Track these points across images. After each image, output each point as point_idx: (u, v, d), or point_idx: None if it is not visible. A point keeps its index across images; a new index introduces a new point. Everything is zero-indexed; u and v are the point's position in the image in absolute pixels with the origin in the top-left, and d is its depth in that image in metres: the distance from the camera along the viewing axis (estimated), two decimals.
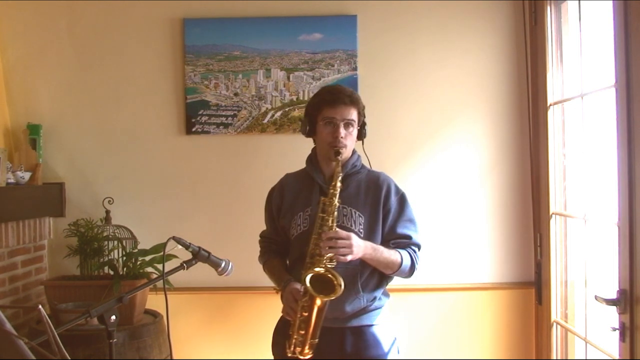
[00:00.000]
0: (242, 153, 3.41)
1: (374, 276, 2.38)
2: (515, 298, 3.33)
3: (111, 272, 3.12)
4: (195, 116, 3.39)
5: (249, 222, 3.38)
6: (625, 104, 2.21)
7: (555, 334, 3.06)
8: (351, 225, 2.34)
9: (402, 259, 2.33)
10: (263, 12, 3.38)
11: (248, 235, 3.36)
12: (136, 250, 3.15)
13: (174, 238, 1.99)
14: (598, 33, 2.59)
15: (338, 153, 2.32)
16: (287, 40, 3.37)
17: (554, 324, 3.06)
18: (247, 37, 3.38)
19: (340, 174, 2.30)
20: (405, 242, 2.38)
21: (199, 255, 2.05)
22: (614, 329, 2.27)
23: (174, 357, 2.29)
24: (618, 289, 2.25)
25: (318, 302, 2.15)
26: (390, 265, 2.33)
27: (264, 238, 2.63)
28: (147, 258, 3.07)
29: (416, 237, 2.41)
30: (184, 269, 2.02)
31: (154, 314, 3.13)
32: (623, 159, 2.23)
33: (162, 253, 2.04)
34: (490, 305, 3.35)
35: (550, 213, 3.06)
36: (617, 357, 2.32)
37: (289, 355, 2.25)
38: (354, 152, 2.46)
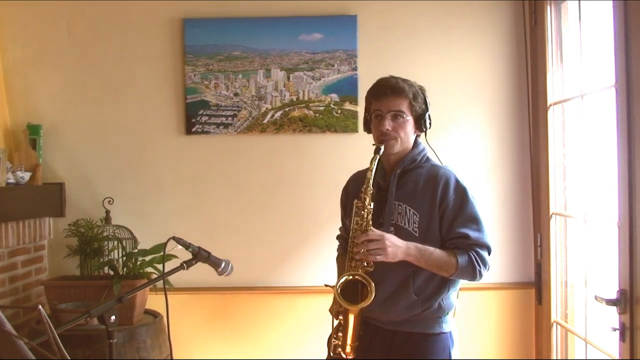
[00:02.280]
0: (242, 153, 3.41)
1: (432, 281, 2.22)
2: (515, 298, 3.33)
3: (111, 272, 3.12)
4: (195, 116, 3.39)
5: (249, 222, 3.40)
6: (625, 104, 2.21)
7: (555, 334, 3.05)
8: (405, 224, 2.23)
9: (457, 260, 2.16)
10: (263, 12, 3.38)
11: (248, 235, 3.39)
12: (136, 250, 3.14)
13: (174, 238, 1.99)
14: (598, 33, 2.59)
15: (378, 149, 2.21)
16: (287, 40, 3.37)
17: (554, 324, 3.06)
18: (247, 37, 3.38)
19: (371, 177, 2.16)
20: (464, 242, 2.20)
21: (199, 255, 2.05)
22: (614, 329, 2.27)
23: (174, 357, 2.29)
24: (618, 289, 2.25)
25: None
26: (443, 267, 2.18)
27: (339, 237, 2.54)
28: (147, 258, 3.07)
29: (478, 236, 2.21)
30: (184, 269, 2.02)
31: (154, 314, 3.13)
32: (623, 159, 2.23)
33: (162, 253, 2.04)
34: (490, 305, 3.35)
35: (550, 213, 3.06)
36: (617, 357, 2.32)
37: (332, 355, 2.23)
38: (416, 145, 2.32)
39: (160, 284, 1.99)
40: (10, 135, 3.31)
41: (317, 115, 3.36)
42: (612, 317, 2.29)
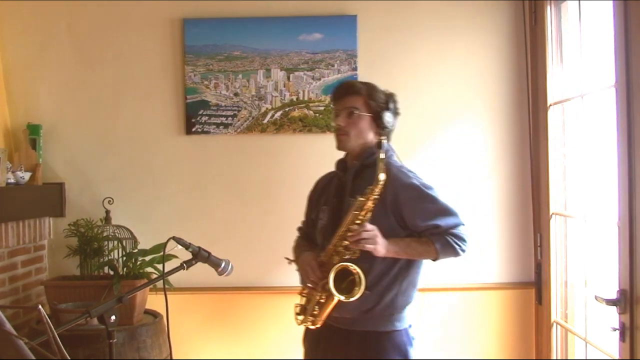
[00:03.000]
0: (242, 153, 3.41)
1: (387, 276, 2.28)
2: (515, 298, 3.32)
3: (111, 272, 3.12)
4: (195, 116, 3.39)
5: (249, 222, 3.40)
6: (625, 104, 2.21)
7: (555, 334, 3.05)
8: None
9: (435, 246, 2.25)
10: (263, 12, 3.38)
11: (248, 235, 3.39)
12: (136, 250, 3.14)
13: (174, 238, 1.99)
14: (598, 33, 2.59)
15: (379, 144, 2.27)
16: (287, 40, 3.37)
17: (554, 324, 3.06)
18: (247, 37, 3.38)
19: (382, 174, 2.18)
20: (438, 232, 2.27)
21: (199, 255, 2.05)
22: (614, 329, 2.27)
23: (174, 357, 2.29)
24: (618, 289, 2.25)
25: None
26: (424, 254, 2.28)
27: (300, 229, 2.66)
28: (147, 258, 3.07)
29: (448, 222, 2.28)
30: (184, 269, 2.02)
31: (154, 314, 3.13)
32: (623, 159, 2.23)
33: (162, 253, 2.04)
34: (490, 305, 3.35)
35: (550, 213, 3.06)
36: (617, 357, 2.32)
37: (299, 324, 2.35)
38: (378, 143, 2.33)
39: (160, 284, 1.99)
40: (10, 135, 3.31)
41: (317, 115, 3.36)
42: (612, 317, 2.29)
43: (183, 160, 3.43)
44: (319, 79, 3.37)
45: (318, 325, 2.32)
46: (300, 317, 2.38)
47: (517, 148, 3.35)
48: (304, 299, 2.39)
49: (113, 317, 1.82)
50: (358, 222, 2.20)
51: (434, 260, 2.31)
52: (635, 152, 2.17)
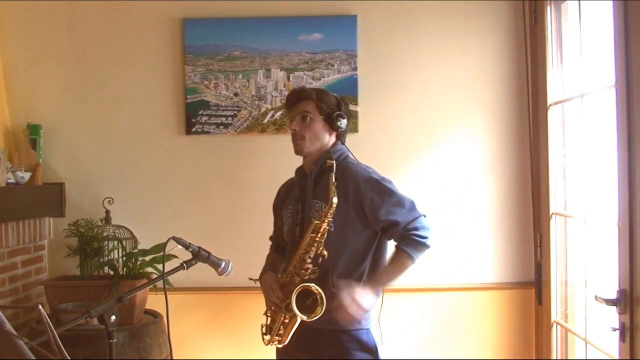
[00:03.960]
0: (242, 153, 3.41)
1: (351, 276, 2.33)
2: (515, 298, 3.33)
3: (111, 272, 3.12)
4: (195, 116, 3.39)
5: (249, 222, 3.40)
6: (625, 104, 2.21)
7: (555, 334, 3.05)
8: None
9: (407, 252, 2.30)
10: (263, 12, 3.38)
11: (248, 235, 3.38)
12: (136, 250, 3.14)
13: (174, 238, 2.00)
14: (598, 33, 2.59)
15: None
16: (287, 40, 3.37)
17: (554, 324, 3.06)
18: (247, 37, 3.38)
19: (335, 199, 2.27)
20: (398, 229, 2.32)
21: (199, 255, 2.05)
22: (614, 329, 2.27)
23: (174, 357, 2.29)
24: (618, 289, 2.25)
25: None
26: (403, 268, 2.33)
27: (271, 238, 2.76)
28: (147, 258, 3.07)
29: (406, 217, 2.32)
30: (184, 269, 2.02)
31: (154, 314, 3.13)
32: (623, 159, 2.23)
33: (162, 253, 2.04)
34: (490, 305, 3.35)
35: (550, 213, 3.06)
36: (617, 357, 2.32)
37: (266, 344, 2.44)
38: (334, 145, 2.47)
39: (160, 284, 1.99)
40: (10, 135, 3.31)
41: None
42: (612, 317, 2.29)
43: (183, 160, 3.43)
44: (319, 79, 3.37)
45: (285, 344, 2.39)
46: (267, 337, 2.46)
47: (517, 148, 3.35)
48: (269, 319, 2.49)
49: (113, 317, 1.82)
50: (315, 244, 2.28)
51: (412, 264, 2.34)
52: (635, 152, 2.17)
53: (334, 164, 2.31)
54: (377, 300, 2.33)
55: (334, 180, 2.28)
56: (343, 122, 2.46)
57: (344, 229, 2.33)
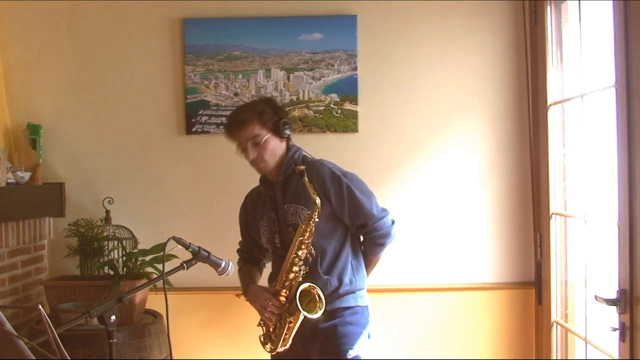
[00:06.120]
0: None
1: (338, 260, 2.46)
2: (515, 298, 3.32)
3: (111, 272, 3.12)
4: (195, 116, 3.39)
5: None
6: (625, 104, 2.21)
7: (555, 334, 3.05)
8: (298, 221, 2.43)
9: (371, 253, 2.55)
10: (263, 12, 3.38)
11: None
12: (136, 250, 3.14)
13: (174, 238, 2.00)
14: (598, 33, 2.59)
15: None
16: (287, 40, 3.37)
17: (554, 324, 3.06)
18: (247, 37, 3.38)
19: (318, 207, 2.33)
20: (366, 231, 2.48)
21: (199, 255, 2.05)
22: (614, 329, 2.27)
23: (174, 357, 2.29)
24: (618, 289, 2.25)
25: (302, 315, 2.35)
26: (376, 262, 2.61)
27: (239, 251, 2.81)
28: (147, 258, 3.07)
29: (369, 215, 2.44)
30: (184, 269, 2.02)
31: (154, 314, 3.13)
32: (623, 159, 2.23)
33: (162, 253, 2.04)
34: (490, 305, 3.34)
35: (550, 213, 3.06)
36: (617, 357, 2.32)
37: (272, 354, 2.50)
38: (288, 149, 2.52)
39: (160, 284, 1.99)
40: (10, 135, 3.31)
41: (317, 115, 3.36)
42: (612, 317, 2.29)
43: (183, 160, 3.43)
44: (319, 79, 3.37)
45: (287, 346, 2.45)
46: (269, 346, 2.51)
47: (517, 148, 3.35)
48: (264, 328, 2.55)
49: (113, 317, 1.82)
50: (304, 247, 2.37)
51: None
52: (635, 152, 2.17)
53: (304, 169, 2.33)
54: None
55: (309, 183, 2.32)
56: (289, 128, 2.50)
57: (320, 222, 2.40)
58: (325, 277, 2.44)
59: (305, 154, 2.57)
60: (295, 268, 2.39)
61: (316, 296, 2.36)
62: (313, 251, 2.40)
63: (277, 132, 2.46)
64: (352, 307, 2.48)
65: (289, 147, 2.53)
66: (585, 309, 2.71)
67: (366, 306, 2.54)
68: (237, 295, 2.62)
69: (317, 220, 2.36)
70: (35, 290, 3.29)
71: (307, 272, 2.41)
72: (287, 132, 2.49)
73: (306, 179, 2.32)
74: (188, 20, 3.38)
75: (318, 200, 2.31)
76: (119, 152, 3.43)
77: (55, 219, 3.38)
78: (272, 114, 2.46)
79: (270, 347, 2.50)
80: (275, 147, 2.47)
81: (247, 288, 2.58)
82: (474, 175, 3.38)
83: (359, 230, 2.51)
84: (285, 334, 2.41)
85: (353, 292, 2.49)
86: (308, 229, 2.36)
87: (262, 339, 2.56)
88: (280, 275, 2.43)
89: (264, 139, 2.43)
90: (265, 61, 3.39)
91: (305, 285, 2.37)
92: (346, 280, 2.47)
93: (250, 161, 2.49)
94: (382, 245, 2.52)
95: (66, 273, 3.34)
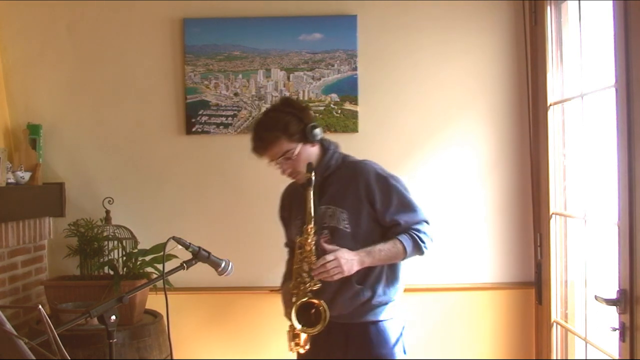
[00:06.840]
0: (242, 153, 3.38)
1: (372, 270, 2.34)
2: (515, 298, 3.33)
3: (111, 272, 3.12)
4: (195, 116, 3.39)
5: (249, 222, 3.40)
6: (625, 104, 2.21)
7: (555, 334, 3.06)
8: (336, 224, 2.35)
9: (403, 244, 2.30)
10: (263, 12, 3.38)
11: (248, 235, 3.39)
12: (136, 250, 3.14)
13: (174, 238, 1.99)
14: (598, 33, 2.59)
15: (309, 181, 2.30)
16: (287, 40, 3.37)
17: (554, 324, 3.06)
18: (247, 37, 3.38)
19: (313, 214, 2.28)
20: (399, 230, 2.33)
21: (199, 255, 2.05)
22: (614, 329, 2.27)
23: (174, 357, 2.29)
24: (618, 289, 2.25)
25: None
26: (394, 257, 2.32)
27: (286, 245, 2.66)
28: (147, 258, 3.07)
29: (409, 219, 2.34)
30: (184, 269, 2.02)
31: (154, 314, 3.13)
32: (623, 159, 2.23)
33: (162, 253, 2.04)
34: (490, 305, 3.35)
35: (550, 213, 3.06)
36: (617, 357, 2.32)
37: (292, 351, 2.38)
38: (325, 151, 2.41)
39: (160, 284, 1.99)
40: (10, 135, 3.31)
41: (317, 115, 3.36)
42: (612, 317, 2.29)
43: (183, 160, 3.43)
44: (319, 79, 3.37)
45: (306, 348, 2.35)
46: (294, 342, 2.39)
47: (517, 148, 3.35)
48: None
49: (113, 317, 1.81)
50: (305, 257, 2.28)
51: (402, 259, 2.36)
52: (635, 152, 2.17)
53: (312, 178, 2.27)
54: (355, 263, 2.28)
55: (311, 196, 2.27)
56: (318, 131, 2.37)
57: (359, 227, 2.33)
58: (358, 286, 2.33)
59: (345, 154, 2.46)
60: (302, 278, 2.29)
61: (321, 309, 2.26)
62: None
63: (307, 140, 2.34)
64: (386, 321, 2.38)
65: (324, 148, 2.41)
66: (585, 309, 2.71)
67: (400, 319, 2.43)
68: (274, 290, 2.55)
69: (314, 237, 2.28)
70: (35, 290, 3.29)
71: (340, 280, 2.27)
72: (318, 136, 2.36)
73: (311, 192, 2.27)
74: (188, 20, 3.38)
75: (312, 213, 2.27)
76: (119, 152, 3.43)
77: (55, 219, 3.38)
78: (297, 123, 2.33)
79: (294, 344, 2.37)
80: (309, 155, 2.36)
81: (283, 284, 2.50)
82: (474, 175, 3.38)
83: (402, 228, 2.34)
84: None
85: (386, 303, 2.38)
86: (306, 243, 2.27)
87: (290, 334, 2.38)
88: (293, 282, 2.33)
89: (296, 152, 2.34)
90: (265, 61, 3.39)
91: (307, 300, 2.28)
92: (378, 289, 2.35)
93: (287, 175, 2.41)
94: (419, 249, 2.34)
95: (66, 273, 3.34)
